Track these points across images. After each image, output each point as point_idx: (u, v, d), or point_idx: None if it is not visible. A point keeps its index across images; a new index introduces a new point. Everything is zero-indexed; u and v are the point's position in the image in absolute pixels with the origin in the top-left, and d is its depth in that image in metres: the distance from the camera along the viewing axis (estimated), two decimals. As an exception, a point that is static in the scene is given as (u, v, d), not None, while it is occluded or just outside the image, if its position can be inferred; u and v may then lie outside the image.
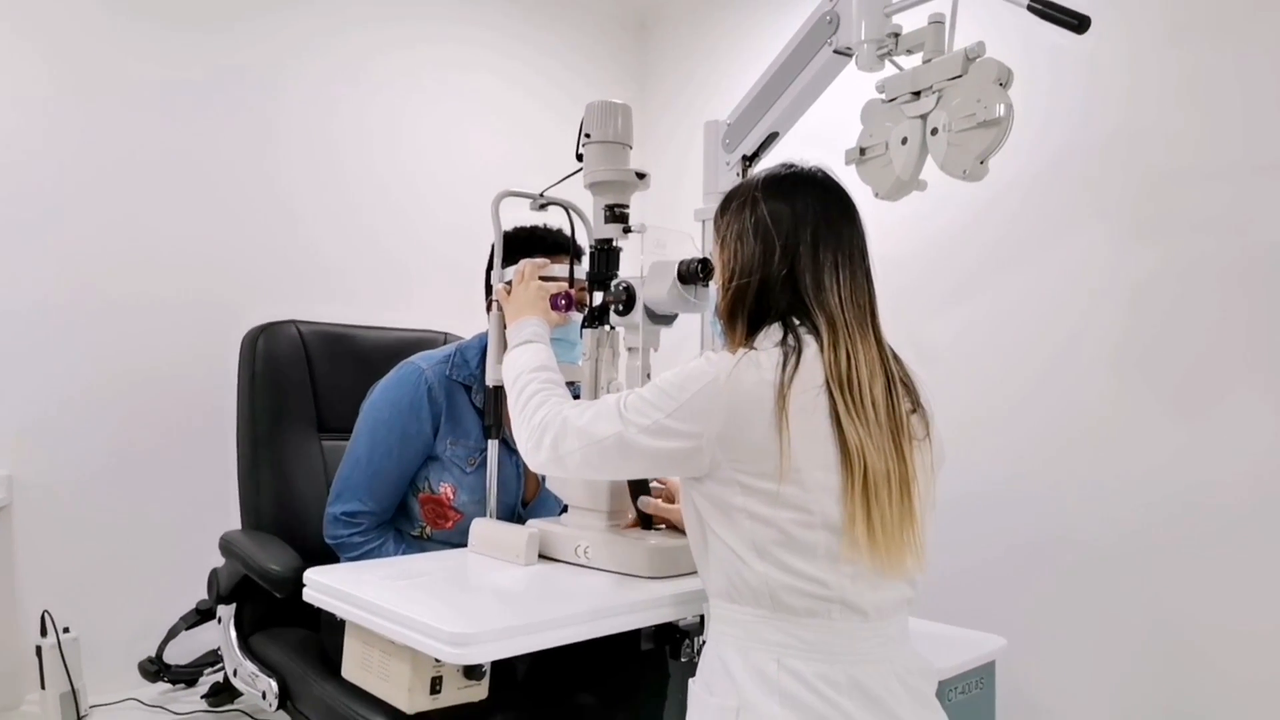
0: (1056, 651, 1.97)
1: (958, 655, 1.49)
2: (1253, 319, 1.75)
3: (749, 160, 1.78)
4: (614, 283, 1.41)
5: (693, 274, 1.32)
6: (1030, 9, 1.38)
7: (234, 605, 1.77)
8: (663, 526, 1.39)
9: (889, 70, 1.53)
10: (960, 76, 1.41)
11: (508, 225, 1.62)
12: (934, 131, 1.45)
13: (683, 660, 1.25)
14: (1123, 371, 1.91)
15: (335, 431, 1.88)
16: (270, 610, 1.76)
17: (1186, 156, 1.84)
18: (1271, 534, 1.71)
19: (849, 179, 1.31)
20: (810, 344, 1.09)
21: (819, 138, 1.62)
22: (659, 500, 1.39)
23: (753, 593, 1.06)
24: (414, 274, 2.62)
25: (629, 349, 1.41)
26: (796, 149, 1.37)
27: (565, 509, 1.47)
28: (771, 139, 1.74)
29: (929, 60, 1.46)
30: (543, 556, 1.41)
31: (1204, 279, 1.81)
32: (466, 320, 1.91)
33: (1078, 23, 1.34)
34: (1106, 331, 1.93)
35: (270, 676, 1.64)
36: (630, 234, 1.46)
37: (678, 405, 1.08)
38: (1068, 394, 1.99)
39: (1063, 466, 1.99)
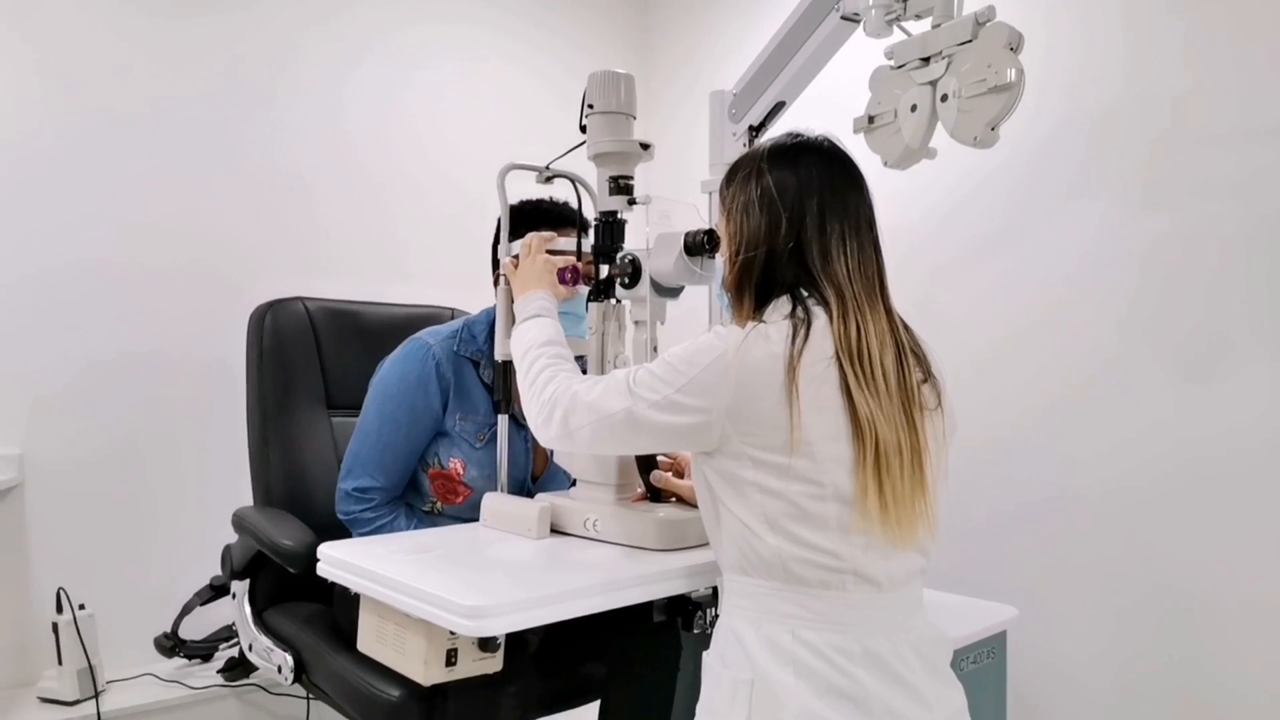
0: (1066, 619, 1.98)
1: (969, 625, 1.50)
2: (1255, 282, 1.73)
3: (755, 130, 1.76)
4: (619, 255, 1.41)
5: (699, 246, 1.31)
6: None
7: (247, 580, 1.79)
8: (672, 500, 1.39)
9: (897, 36, 1.51)
10: (970, 41, 1.39)
11: (514, 199, 1.61)
12: (944, 98, 1.43)
13: (695, 632, 1.26)
14: (1128, 336, 1.90)
15: (344, 408, 1.89)
16: (283, 585, 1.78)
17: (1187, 122, 1.82)
18: (1273, 496, 1.71)
19: (857, 148, 1.30)
20: (819, 316, 1.09)
21: (827, 106, 1.60)
22: (669, 474, 1.39)
23: (765, 565, 1.07)
24: (421, 249, 2.61)
25: (635, 322, 1.41)
26: (804, 118, 1.36)
27: (574, 483, 1.47)
28: (778, 108, 1.71)
29: (938, 25, 1.43)
30: (553, 530, 1.42)
31: (1207, 244, 1.79)
32: (474, 295, 1.90)
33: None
34: (1110, 297, 1.92)
35: (285, 650, 1.65)
36: (635, 206, 1.45)
37: (687, 380, 1.08)
38: (1074, 361, 1.98)
39: (1070, 433, 1.98)
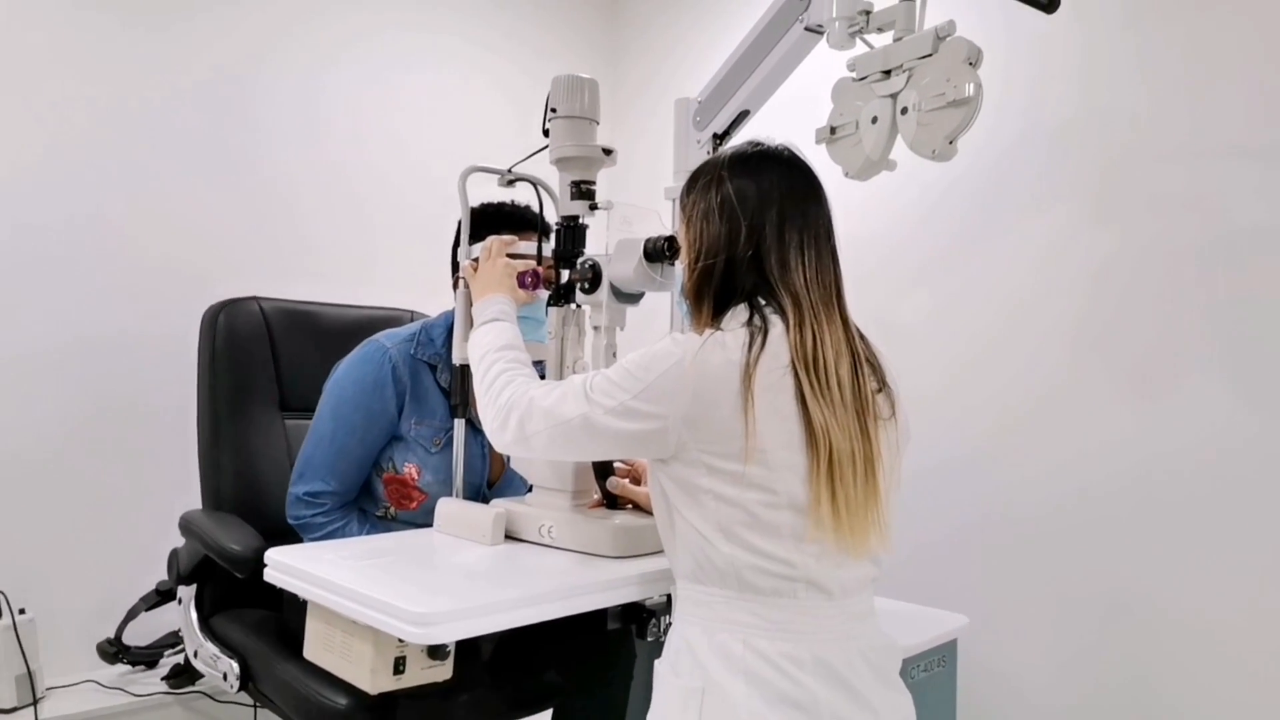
0: (1017, 628, 2.00)
1: (920, 633, 1.51)
2: (1205, 298, 1.77)
3: (720, 138, 1.75)
4: (580, 260, 1.40)
5: (659, 252, 1.31)
6: (1002, -12, 1.38)
7: (194, 586, 1.75)
8: (629, 507, 1.39)
9: (860, 48, 1.52)
10: (930, 55, 1.40)
11: (475, 201, 1.60)
12: (904, 111, 1.44)
13: (649, 640, 1.25)
14: (1080, 350, 1.93)
15: (298, 410, 1.86)
16: (231, 591, 1.74)
17: (1140, 139, 1.86)
18: (1224, 511, 1.74)
19: (820, 158, 1.31)
20: (776, 324, 1.09)
21: (791, 116, 1.61)
22: (626, 481, 1.38)
23: (719, 574, 1.06)
24: (389, 252, 2.58)
25: (595, 327, 1.40)
26: (768, 127, 1.36)
27: (531, 489, 1.46)
28: (743, 117, 1.72)
29: (900, 39, 1.45)
30: (508, 536, 1.40)
31: (1158, 259, 1.83)
32: (434, 298, 1.88)
33: (1048, 2, 1.33)
34: (1065, 311, 1.96)
35: (231, 658, 1.61)
36: (597, 211, 1.44)
37: (644, 386, 1.07)
38: (1028, 372, 2.01)
39: (1023, 443, 2.01)
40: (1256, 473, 1.70)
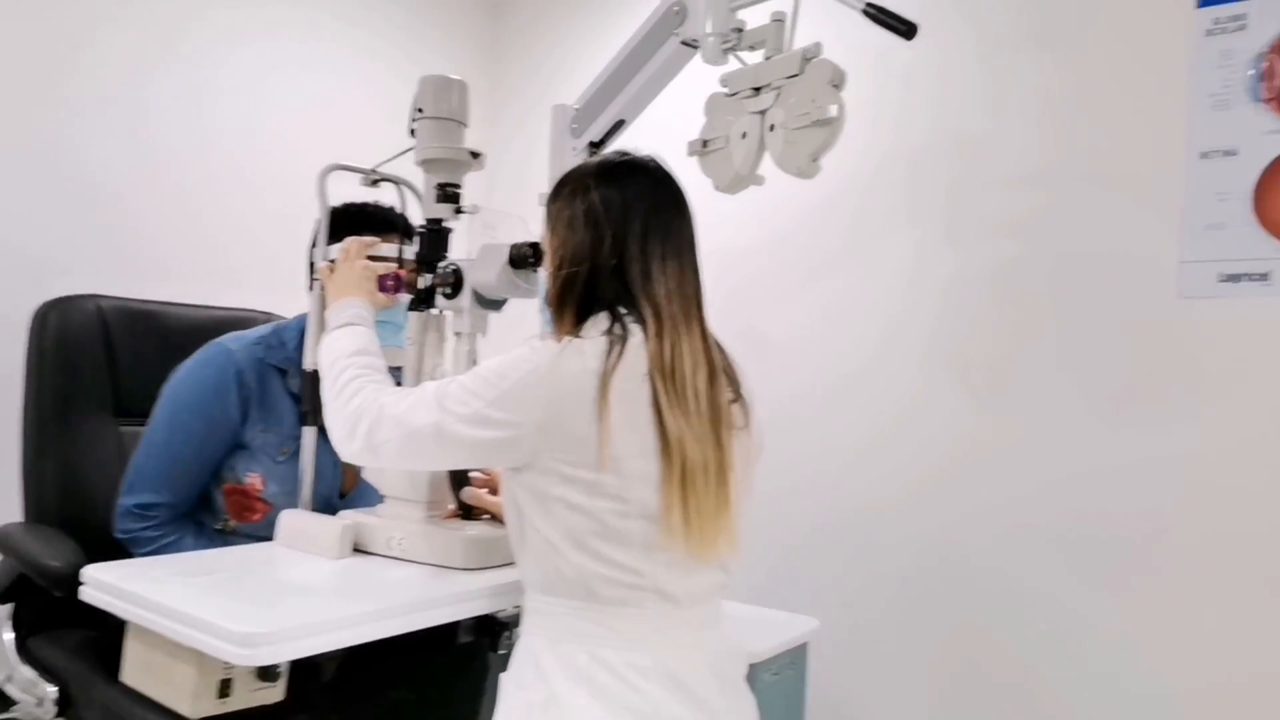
0: (867, 630, 2.05)
1: (771, 638, 1.52)
2: (1048, 319, 1.86)
3: (596, 146, 1.75)
4: (442, 265, 1.35)
5: (523, 258, 1.29)
6: (865, 12, 1.42)
7: (10, 605, 1.60)
8: (485, 517, 1.35)
9: (734, 65, 1.54)
10: (797, 75, 1.43)
11: (338, 201, 1.53)
12: (771, 128, 1.47)
13: (501, 653, 1.21)
14: (932, 367, 2.01)
15: (136, 417, 1.72)
16: (52, 611, 1.59)
17: (990, 166, 1.95)
18: (1065, 511, 1.82)
19: (691, 170, 1.31)
20: (636, 333, 1.08)
21: (666, 127, 1.62)
22: (482, 491, 1.34)
23: (568, 585, 1.05)
24: (236, 250, 2.43)
25: (456, 334, 1.36)
26: (643, 138, 1.35)
27: (384, 499, 1.40)
28: (618, 126, 1.71)
29: (770, 57, 1.48)
30: (357, 550, 1.34)
31: (1002, 279, 1.92)
32: (295, 300, 1.79)
33: (907, 29, 1.38)
34: (919, 330, 2.03)
35: (50, 682, 1.48)
36: (462, 215, 1.40)
37: (499, 394, 1.05)
38: (883, 387, 2.08)
39: (879, 456, 2.07)
40: (1090, 471, 1.79)
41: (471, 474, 1.35)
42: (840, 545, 2.11)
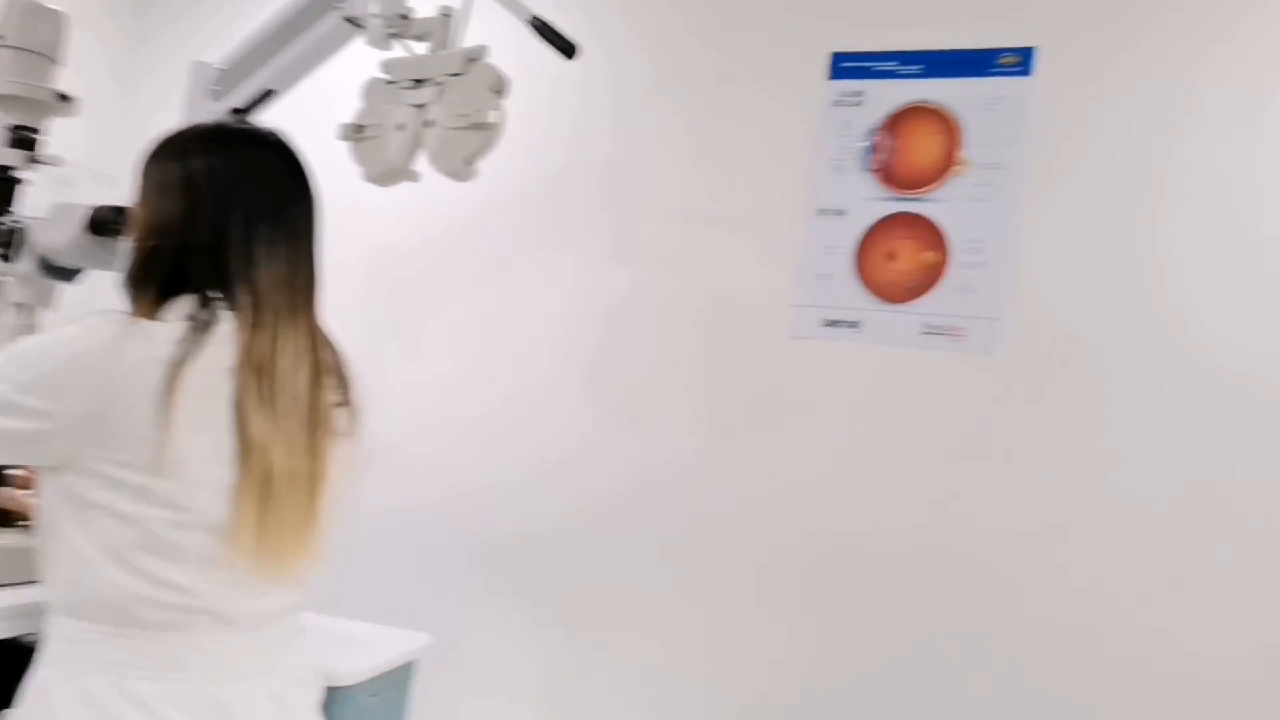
0: (481, 650, 2.01)
1: (375, 656, 1.43)
2: (693, 349, 1.95)
3: (240, 115, 1.58)
4: (1, 220, 1.13)
5: (104, 223, 1.10)
6: (531, 25, 1.41)
7: None
8: (23, 524, 1.14)
9: (401, 52, 1.46)
10: (460, 75, 1.39)
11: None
12: (428, 124, 1.41)
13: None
14: (596, 385, 2.03)
15: None
16: None
17: (655, 196, 2.02)
18: (685, 535, 1.91)
19: (340, 156, 1.20)
20: (226, 322, 0.95)
21: (324, 104, 1.50)
22: (20, 492, 1.13)
23: (100, 607, 0.89)
24: None
25: (16, 304, 1.14)
26: (297, 112, 1.22)
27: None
28: (267, 95, 1.56)
29: (435, 51, 1.42)
30: None
31: (648, 307, 1.98)
32: None
33: (567, 48, 1.38)
34: (576, 347, 2.03)
35: None
36: (38, 166, 1.18)
37: (35, 376, 0.88)
38: (533, 398, 2.06)
39: (507, 460, 2.05)
40: (705, 483, 1.90)
41: (10, 471, 1.13)
42: (459, 561, 2.06)
